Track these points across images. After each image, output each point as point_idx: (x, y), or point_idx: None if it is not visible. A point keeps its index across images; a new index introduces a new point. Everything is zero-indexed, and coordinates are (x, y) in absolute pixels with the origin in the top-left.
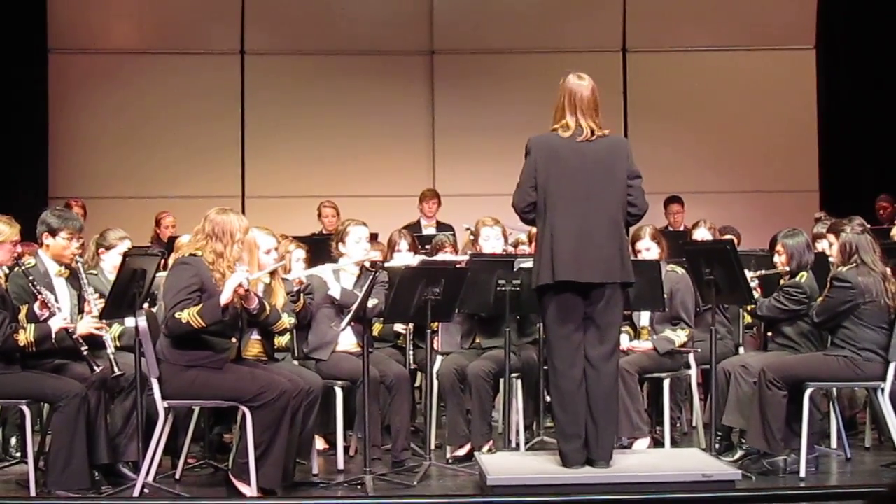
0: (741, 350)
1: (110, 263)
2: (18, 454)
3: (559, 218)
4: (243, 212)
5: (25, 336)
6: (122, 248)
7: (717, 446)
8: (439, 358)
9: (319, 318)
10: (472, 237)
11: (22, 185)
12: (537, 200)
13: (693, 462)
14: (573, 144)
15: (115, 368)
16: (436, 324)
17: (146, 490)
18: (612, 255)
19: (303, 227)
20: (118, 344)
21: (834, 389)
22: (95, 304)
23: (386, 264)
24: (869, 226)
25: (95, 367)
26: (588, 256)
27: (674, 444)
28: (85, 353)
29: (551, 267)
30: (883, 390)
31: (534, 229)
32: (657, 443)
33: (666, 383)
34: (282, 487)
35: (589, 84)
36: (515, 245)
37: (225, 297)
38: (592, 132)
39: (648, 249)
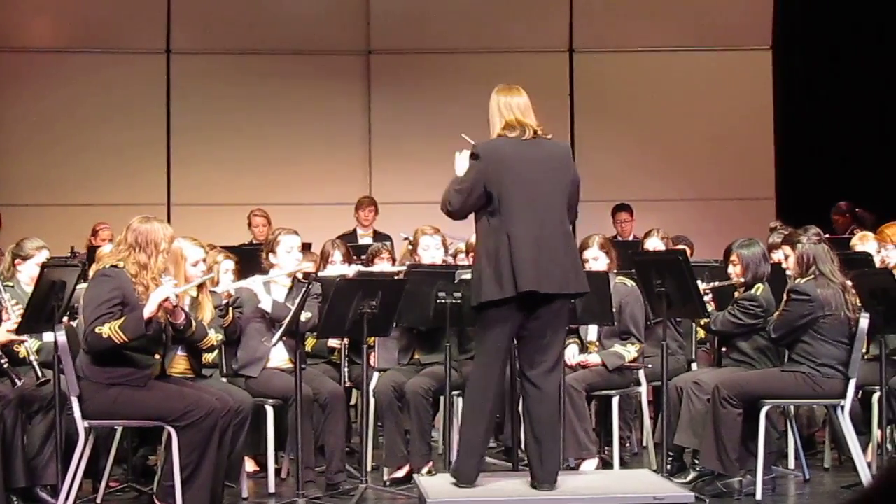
0: (694, 366)
1: (27, 275)
2: None
3: (516, 227)
4: (169, 220)
5: None
6: (40, 259)
7: (668, 467)
8: (376, 374)
9: (249, 333)
10: (410, 247)
11: None
12: (490, 209)
13: (643, 484)
14: (521, 149)
15: (39, 374)
16: (372, 338)
17: None
18: (568, 265)
19: (232, 236)
20: (37, 358)
21: (791, 407)
22: (14, 310)
23: (320, 274)
24: (826, 235)
25: (17, 381)
26: (547, 266)
27: (623, 465)
28: (5, 366)
29: (513, 278)
30: (843, 408)
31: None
32: (605, 464)
33: (615, 401)
34: None
35: (521, 92)
36: (455, 255)
37: (149, 310)
38: (535, 132)
39: (596, 259)
